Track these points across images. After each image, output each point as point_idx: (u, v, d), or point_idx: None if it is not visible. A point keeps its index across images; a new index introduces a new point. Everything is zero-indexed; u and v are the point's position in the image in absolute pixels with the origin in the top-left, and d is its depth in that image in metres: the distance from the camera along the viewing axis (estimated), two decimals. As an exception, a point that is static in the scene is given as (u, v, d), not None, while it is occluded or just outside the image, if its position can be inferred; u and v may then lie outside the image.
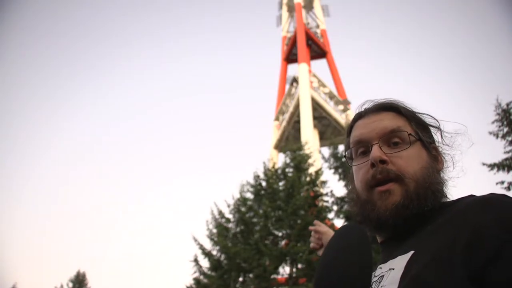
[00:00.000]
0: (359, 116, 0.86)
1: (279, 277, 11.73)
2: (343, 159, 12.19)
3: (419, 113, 0.84)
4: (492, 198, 0.62)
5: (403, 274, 0.63)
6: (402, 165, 0.75)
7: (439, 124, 0.85)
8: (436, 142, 0.84)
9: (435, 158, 0.81)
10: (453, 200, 0.74)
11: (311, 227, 1.44)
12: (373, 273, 0.74)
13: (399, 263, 0.66)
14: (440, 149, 0.84)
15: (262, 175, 13.69)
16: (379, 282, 0.69)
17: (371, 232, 0.79)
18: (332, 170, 12.31)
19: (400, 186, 0.73)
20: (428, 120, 0.85)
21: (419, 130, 0.81)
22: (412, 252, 0.65)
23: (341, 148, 12.59)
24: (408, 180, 0.73)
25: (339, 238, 0.64)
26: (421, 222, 0.72)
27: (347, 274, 0.56)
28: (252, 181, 13.67)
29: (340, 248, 0.61)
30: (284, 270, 11.81)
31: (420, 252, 0.64)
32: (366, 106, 0.87)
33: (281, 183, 13.24)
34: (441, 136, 0.84)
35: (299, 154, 13.77)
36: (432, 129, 0.85)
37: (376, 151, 0.76)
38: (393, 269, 0.67)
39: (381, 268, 0.73)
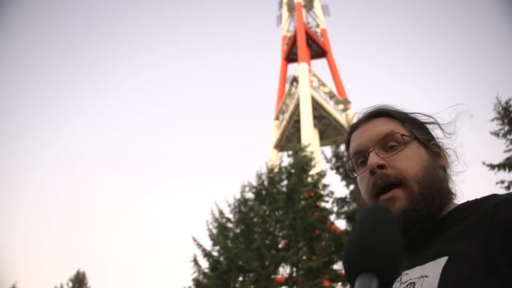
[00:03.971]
0: (354, 128, 0.86)
1: (279, 277, 11.74)
2: (346, 165, 12.11)
3: (411, 113, 0.84)
4: None
5: (441, 281, 0.60)
6: (401, 167, 0.74)
7: (435, 119, 0.84)
8: (436, 139, 0.83)
9: (436, 154, 0.80)
10: (476, 200, 0.72)
11: None
12: (399, 279, 0.71)
13: (433, 269, 0.63)
14: (442, 145, 0.83)
15: (264, 176, 13.67)
16: None
17: None
18: (334, 170, 12.25)
19: (403, 190, 0.72)
20: (422, 118, 0.84)
21: (414, 129, 0.80)
22: (446, 258, 0.62)
23: (342, 147, 12.54)
24: (410, 182, 0.72)
25: (371, 215, 0.53)
26: (442, 225, 0.70)
27: (383, 246, 0.46)
28: (253, 182, 13.67)
29: (373, 223, 0.50)
30: (285, 270, 11.82)
31: (455, 257, 0.61)
32: (358, 116, 0.87)
33: (283, 184, 13.23)
34: (441, 129, 0.83)
35: (302, 156, 13.71)
36: (430, 125, 0.84)
37: (372, 158, 0.75)
38: (426, 276, 0.64)
39: (407, 274, 0.70)
